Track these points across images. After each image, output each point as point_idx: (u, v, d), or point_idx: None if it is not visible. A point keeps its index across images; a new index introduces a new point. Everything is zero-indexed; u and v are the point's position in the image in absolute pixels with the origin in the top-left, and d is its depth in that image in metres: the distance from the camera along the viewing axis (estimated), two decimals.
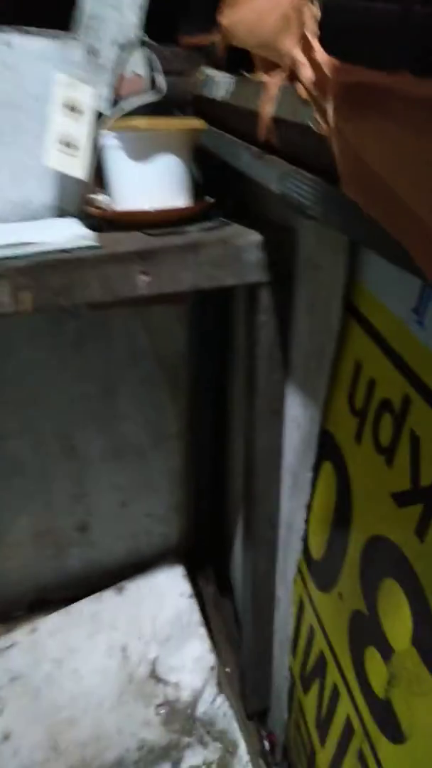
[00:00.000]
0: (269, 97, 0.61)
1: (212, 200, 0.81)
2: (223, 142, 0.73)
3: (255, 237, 0.70)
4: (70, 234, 0.69)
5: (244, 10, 0.73)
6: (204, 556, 1.33)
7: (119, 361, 1.09)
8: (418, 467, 0.52)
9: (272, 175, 0.58)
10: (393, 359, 0.55)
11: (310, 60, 0.53)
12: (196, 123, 0.77)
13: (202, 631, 1.18)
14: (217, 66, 0.81)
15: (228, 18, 0.75)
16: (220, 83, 0.75)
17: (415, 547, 0.53)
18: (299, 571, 0.84)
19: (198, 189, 0.81)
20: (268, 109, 0.61)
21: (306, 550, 0.81)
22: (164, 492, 1.26)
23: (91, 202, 0.81)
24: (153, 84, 0.84)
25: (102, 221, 0.78)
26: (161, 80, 0.83)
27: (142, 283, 0.64)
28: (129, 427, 1.15)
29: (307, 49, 0.53)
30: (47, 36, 0.81)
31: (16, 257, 0.61)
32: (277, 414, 0.82)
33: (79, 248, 0.64)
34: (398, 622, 0.57)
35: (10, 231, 0.74)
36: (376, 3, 0.50)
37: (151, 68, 0.84)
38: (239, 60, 0.73)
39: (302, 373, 0.77)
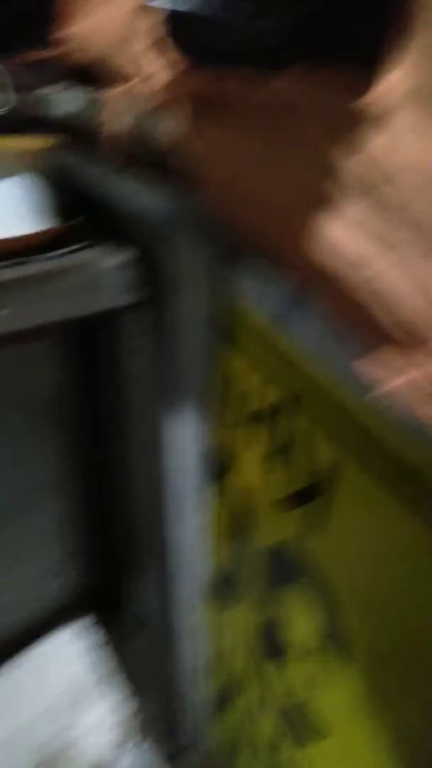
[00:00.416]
0: (115, 111, 0.60)
1: (70, 223, 0.77)
2: (75, 160, 0.70)
3: (117, 259, 0.67)
4: None
5: (83, 22, 0.71)
6: (110, 600, 1.26)
7: None
8: (295, 468, 0.53)
9: (127, 192, 0.56)
10: (263, 368, 0.55)
11: (160, 68, 0.52)
12: (41, 142, 0.73)
13: (117, 680, 1.11)
14: (61, 81, 0.79)
15: (68, 31, 0.73)
16: (66, 99, 0.72)
17: (311, 545, 0.54)
18: (204, 594, 0.82)
19: (54, 211, 0.77)
20: (115, 123, 0.59)
21: (208, 572, 0.79)
22: (54, 544, 1.17)
23: None
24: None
25: None
26: (5, 97, 0.78)
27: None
28: (7, 477, 1.05)
29: (156, 57, 0.52)
30: None
31: None
32: (156, 438, 0.79)
33: None
34: (307, 622, 0.57)
35: None
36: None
37: None
38: (83, 74, 0.70)
39: (179, 394, 0.75)
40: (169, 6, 0.45)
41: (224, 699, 0.82)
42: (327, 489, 0.50)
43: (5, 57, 0.82)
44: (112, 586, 1.25)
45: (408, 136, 0.26)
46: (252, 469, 0.61)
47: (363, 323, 0.34)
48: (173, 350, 0.74)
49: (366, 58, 0.28)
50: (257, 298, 0.55)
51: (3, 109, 0.77)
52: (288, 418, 0.53)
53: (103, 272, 0.66)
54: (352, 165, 0.30)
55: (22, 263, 0.66)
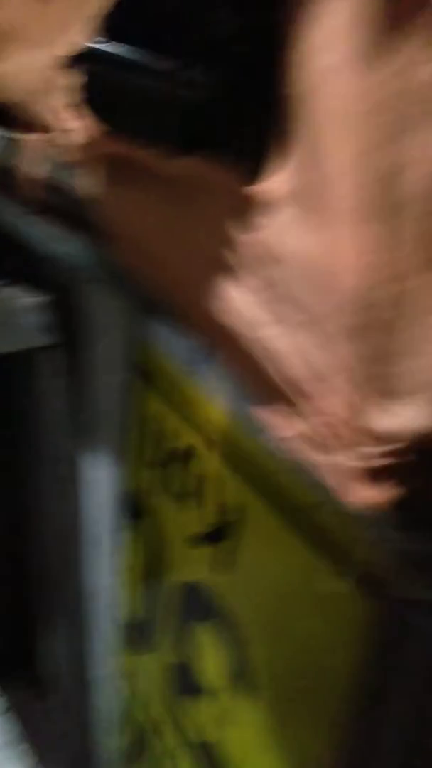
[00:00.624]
0: (32, 157, 0.61)
1: None
2: None
3: (34, 299, 0.68)
4: None
5: (2, 64, 0.73)
6: (13, 662, 1.18)
7: None
8: (206, 508, 0.55)
9: (43, 236, 0.58)
10: (177, 411, 0.58)
11: (78, 124, 0.55)
12: None
13: (22, 748, 1.04)
14: None
15: None
16: None
17: (220, 584, 0.56)
18: (118, 641, 0.81)
19: None
20: (31, 168, 0.61)
21: (122, 618, 0.78)
22: None
23: None
24: None
25: None
26: None
27: None
28: None
29: (73, 114, 0.54)
30: None
31: None
32: (70, 481, 0.79)
33: None
34: (216, 660, 0.59)
35: None
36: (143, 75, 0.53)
37: None
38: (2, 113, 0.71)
39: (94, 435, 0.76)
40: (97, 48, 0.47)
41: (141, 747, 0.80)
42: (235, 529, 0.52)
43: None
44: (15, 647, 1.18)
45: (290, 227, 0.30)
46: (165, 509, 0.62)
47: (259, 377, 0.37)
48: (88, 392, 0.74)
49: (257, 152, 0.33)
50: (170, 346, 0.57)
51: None
52: (200, 459, 0.55)
53: (19, 312, 0.67)
54: (248, 244, 0.33)
55: None
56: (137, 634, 0.75)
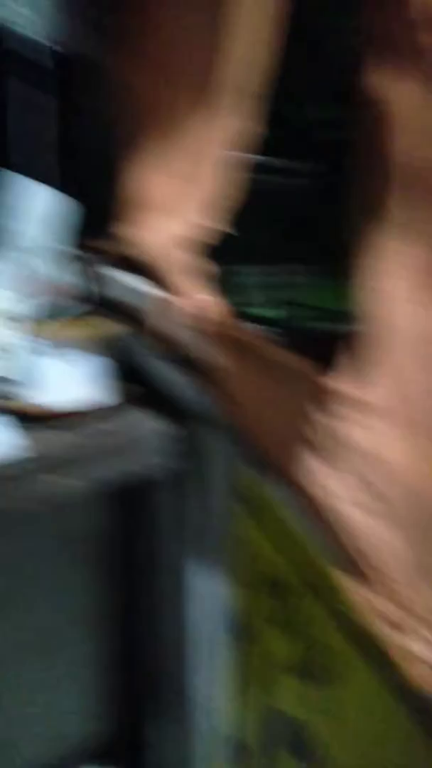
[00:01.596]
0: (160, 312, 0.73)
1: (126, 396, 0.89)
2: (130, 343, 0.84)
3: (157, 426, 0.79)
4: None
5: (137, 228, 0.88)
6: (127, 746, 1.23)
7: (27, 547, 1.07)
8: (299, 641, 0.58)
9: (165, 375, 0.68)
10: (273, 542, 0.63)
11: (200, 294, 0.66)
12: (111, 326, 0.89)
13: None
14: (121, 269, 0.95)
15: (124, 231, 0.90)
16: (122, 287, 0.88)
17: (310, 720, 0.58)
18: (213, 749, 0.84)
19: (113, 383, 0.90)
20: (158, 320, 0.73)
21: (218, 728, 0.82)
22: (77, 683, 1.18)
23: (3, 397, 0.88)
24: (75, 287, 0.95)
25: (21, 417, 0.85)
26: (84, 284, 0.95)
27: (69, 485, 0.70)
28: (43, 616, 1.10)
29: (197, 282, 0.66)
30: None
31: None
32: (180, 592, 0.85)
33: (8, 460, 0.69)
34: None
35: None
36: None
37: (74, 273, 0.97)
38: (135, 267, 0.87)
39: (202, 552, 0.83)
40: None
41: None
42: (328, 669, 0.55)
43: (80, 243, 1.01)
44: (130, 733, 1.23)
45: (376, 430, 0.36)
46: (262, 633, 0.66)
47: (336, 540, 0.42)
48: (198, 512, 0.82)
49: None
50: (269, 488, 0.64)
51: (86, 295, 0.94)
52: (295, 594, 0.59)
53: (143, 436, 0.78)
54: (332, 430, 0.40)
55: (83, 432, 0.79)
56: (232, 748, 0.77)
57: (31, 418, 0.83)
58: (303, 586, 0.57)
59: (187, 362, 0.69)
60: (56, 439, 0.77)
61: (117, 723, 1.21)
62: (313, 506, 0.45)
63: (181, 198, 0.75)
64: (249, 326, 0.52)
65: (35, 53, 0.96)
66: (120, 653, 1.17)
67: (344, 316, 0.42)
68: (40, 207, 0.95)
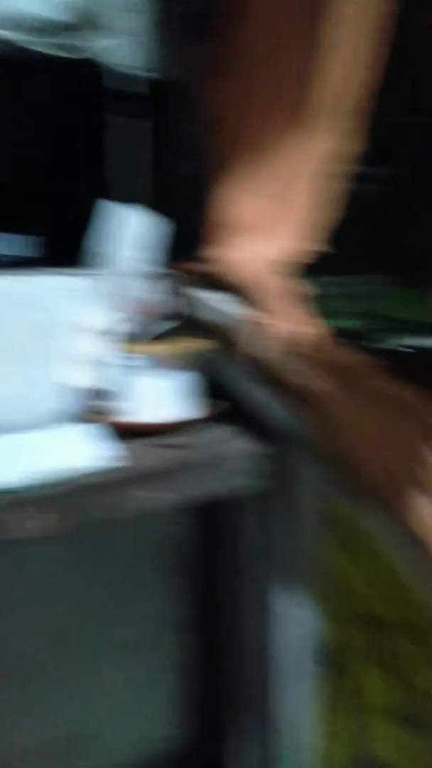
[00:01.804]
0: (253, 336, 0.74)
1: (213, 410, 0.91)
2: (219, 361, 0.85)
3: (245, 446, 0.79)
4: (90, 454, 0.77)
5: (228, 250, 0.89)
6: (205, 761, 1.23)
7: (120, 554, 1.11)
8: (393, 684, 0.55)
9: (255, 395, 0.68)
10: (365, 575, 0.60)
11: (291, 317, 0.66)
12: (199, 344, 0.91)
13: None
14: (211, 290, 0.97)
15: (215, 253, 0.92)
16: (213, 308, 0.90)
17: None
18: None
19: (203, 400, 0.92)
20: (250, 342, 0.73)
21: (305, 758, 0.79)
22: (174, 689, 1.20)
23: (99, 412, 0.92)
24: (165, 306, 0.98)
25: (112, 428, 0.88)
26: (173, 302, 0.98)
27: (158, 498, 0.72)
28: (134, 621, 1.14)
29: (288, 306, 0.65)
30: (67, 273, 0.98)
31: (42, 485, 0.69)
32: (265, 614, 0.84)
33: (102, 470, 0.72)
34: None
35: (32, 445, 0.84)
36: None
37: (164, 292, 1.00)
38: (225, 288, 0.88)
39: (288, 575, 0.81)
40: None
41: None
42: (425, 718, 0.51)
43: (171, 265, 1.04)
44: (208, 748, 1.23)
45: None
46: (353, 668, 0.63)
47: None
48: (285, 535, 0.81)
49: None
50: (363, 519, 0.61)
51: (175, 314, 0.97)
52: (389, 634, 0.56)
53: (231, 456, 0.78)
54: None
55: (172, 446, 0.81)
56: None
57: (123, 431, 0.87)
58: (401, 625, 0.54)
59: (278, 383, 0.69)
60: (146, 453, 0.80)
61: (195, 736, 1.22)
62: (415, 542, 0.43)
63: (274, 219, 0.76)
64: (349, 349, 0.51)
65: (132, 84, 1.01)
66: (201, 666, 1.17)
67: (426, 328, 0.40)
68: (133, 230, 0.99)
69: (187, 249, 1.02)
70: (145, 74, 1.00)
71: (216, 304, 0.92)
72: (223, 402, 0.90)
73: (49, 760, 1.15)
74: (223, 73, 0.93)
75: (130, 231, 0.99)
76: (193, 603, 1.15)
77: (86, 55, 0.98)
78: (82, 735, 1.16)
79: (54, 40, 0.95)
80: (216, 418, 0.89)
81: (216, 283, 0.92)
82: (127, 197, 1.00)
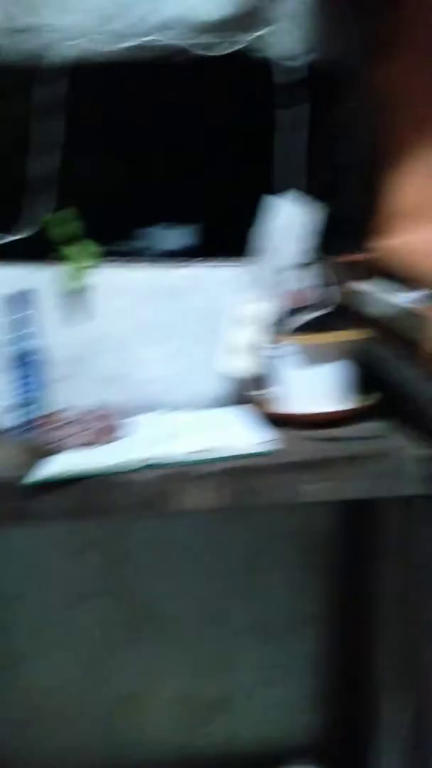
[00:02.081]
0: None
1: (369, 403, 0.87)
2: (381, 354, 0.82)
3: (417, 451, 0.74)
4: (249, 438, 0.79)
5: (398, 238, 0.85)
6: (342, 755, 1.21)
7: (266, 540, 1.13)
8: None
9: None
10: None
11: None
12: (355, 335, 0.88)
13: None
14: (372, 281, 0.93)
15: (383, 242, 0.88)
16: (377, 300, 0.86)
17: None
18: None
19: (357, 391, 0.89)
20: None
21: None
22: (303, 678, 1.21)
23: (254, 399, 0.93)
24: (321, 296, 0.97)
25: (268, 416, 0.89)
26: (329, 293, 0.96)
27: (314, 490, 0.71)
28: (271, 605, 1.16)
29: None
30: (230, 264, 1.00)
31: (205, 462, 0.72)
32: (405, 622, 0.80)
33: (260, 454, 0.74)
34: None
35: (194, 424, 0.88)
36: None
37: (319, 283, 0.99)
38: (391, 277, 0.83)
39: None
40: None
41: None
42: None
43: (329, 256, 1.02)
44: (347, 741, 1.21)
45: None
46: None
47: None
48: None
49: None
50: None
51: (325, 307, 0.95)
52: None
53: (405, 461, 0.74)
54: None
55: (333, 438, 0.79)
56: None
57: (279, 420, 0.87)
58: None
59: None
60: (302, 443, 0.79)
61: (333, 731, 1.21)
62: None
63: None
64: None
65: (293, 72, 1.00)
66: (339, 661, 1.16)
67: None
68: (291, 220, 0.98)
69: (349, 239, 0.99)
70: (305, 60, 0.98)
71: (379, 294, 0.88)
72: (379, 394, 0.87)
73: (186, 718, 1.21)
74: (394, 52, 0.89)
75: (288, 222, 0.99)
76: (334, 598, 1.13)
77: (248, 48, 0.97)
78: (217, 704, 1.21)
79: (215, 39, 0.96)
80: (372, 410, 0.86)
81: (382, 273, 0.89)
82: (285, 187, 0.99)
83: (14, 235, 0.99)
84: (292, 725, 1.22)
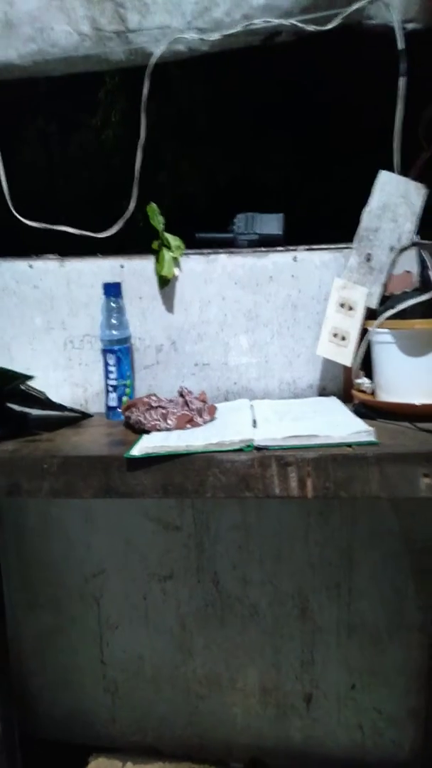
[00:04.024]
0: None
1: None
2: None
3: None
4: (349, 427, 0.74)
5: None
6: None
7: (363, 536, 1.08)
8: None
9: None
10: None
11: None
12: None
13: None
14: None
15: None
16: None
17: None
18: None
19: None
20: None
21: None
22: (398, 689, 1.13)
23: (356, 387, 0.89)
24: (425, 281, 0.90)
25: (365, 406, 0.84)
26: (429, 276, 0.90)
27: (424, 485, 0.65)
28: (364, 605, 1.11)
29: None
30: (327, 249, 0.96)
31: (304, 447, 0.68)
32: None
33: (361, 443, 0.69)
34: None
35: (287, 412, 0.84)
36: None
37: (422, 266, 0.92)
38: None
39: None
40: None
41: None
42: None
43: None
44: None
45: None
46: None
47: None
48: None
49: None
50: None
51: (428, 292, 0.88)
52: None
53: None
54: None
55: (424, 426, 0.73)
56: None
57: (378, 410, 0.82)
58: None
59: None
60: (402, 434, 0.74)
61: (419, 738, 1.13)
62: None
63: None
64: None
65: (390, 42, 0.93)
66: None
67: None
68: (400, 202, 0.92)
69: None
70: (401, 29, 0.91)
71: None
72: None
73: (265, 710, 1.18)
74: None
75: (394, 201, 0.93)
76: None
77: (344, 23, 0.91)
78: (297, 701, 1.17)
79: (310, 16, 0.91)
80: None
81: None
82: (381, 165, 0.93)
83: (109, 229, 1.01)
84: (384, 735, 1.15)
